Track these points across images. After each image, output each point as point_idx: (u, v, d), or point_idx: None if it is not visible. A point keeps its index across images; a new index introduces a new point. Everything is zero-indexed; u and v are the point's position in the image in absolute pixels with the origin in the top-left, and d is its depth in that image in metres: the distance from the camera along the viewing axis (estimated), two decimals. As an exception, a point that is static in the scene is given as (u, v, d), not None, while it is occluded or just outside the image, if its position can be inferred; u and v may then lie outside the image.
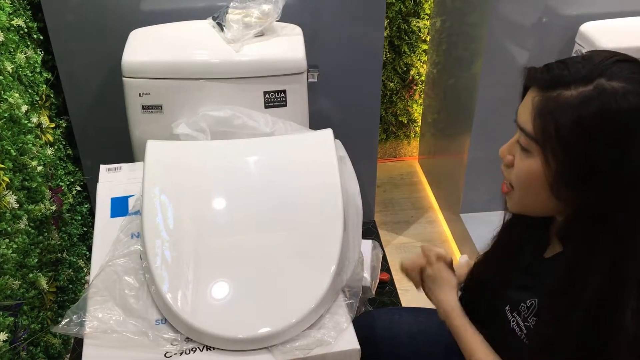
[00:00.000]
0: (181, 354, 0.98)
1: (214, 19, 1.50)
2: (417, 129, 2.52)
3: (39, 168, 1.45)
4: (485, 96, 1.97)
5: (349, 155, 1.30)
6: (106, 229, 1.22)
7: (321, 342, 0.99)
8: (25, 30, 1.52)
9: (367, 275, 1.54)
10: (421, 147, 2.55)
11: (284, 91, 1.45)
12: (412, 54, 2.31)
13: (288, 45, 1.48)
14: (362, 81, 1.88)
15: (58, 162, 1.67)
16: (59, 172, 1.67)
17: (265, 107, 1.46)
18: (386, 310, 1.25)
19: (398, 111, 2.44)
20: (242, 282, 1.05)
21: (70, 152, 1.78)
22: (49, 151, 1.59)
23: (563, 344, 0.80)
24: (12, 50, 1.41)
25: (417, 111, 2.47)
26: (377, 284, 1.64)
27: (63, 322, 0.98)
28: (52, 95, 1.68)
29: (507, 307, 0.94)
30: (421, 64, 2.35)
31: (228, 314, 1.01)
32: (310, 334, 1.00)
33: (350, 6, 1.70)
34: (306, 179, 1.24)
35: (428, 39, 2.30)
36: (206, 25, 1.52)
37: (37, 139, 1.50)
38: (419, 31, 2.27)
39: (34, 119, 1.50)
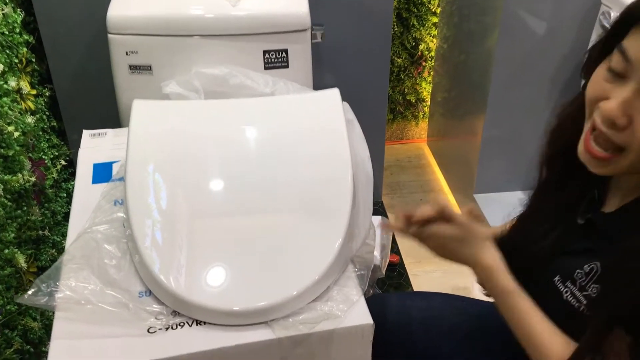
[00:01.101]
0: (167, 329, 0.85)
1: (209, -28, 1.37)
2: (426, 109, 2.38)
3: (16, 134, 1.32)
4: (501, 72, 1.84)
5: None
6: (86, 195, 1.09)
7: (328, 316, 0.86)
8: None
9: (377, 253, 1.41)
10: (430, 128, 2.41)
11: (286, 51, 1.32)
12: (422, 28, 2.18)
13: (291, 0, 1.35)
14: (369, 56, 1.76)
15: (41, 133, 1.54)
16: (42, 145, 1.54)
17: (265, 68, 1.33)
18: (397, 295, 1.11)
19: (406, 89, 2.31)
20: (239, 252, 0.92)
21: (55, 124, 1.65)
22: (30, 119, 1.46)
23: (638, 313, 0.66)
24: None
25: (426, 90, 2.34)
26: (387, 264, 1.51)
27: (29, 292, 0.85)
28: (33, 61, 1.55)
29: (556, 278, 0.80)
30: (431, 38, 2.22)
31: (221, 284, 0.88)
32: (315, 307, 0.87)
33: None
34: (312, 145, 1.11)
35: (438, 11, 2.16)
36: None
37: (15, 104, 1.37)
38: (429, 2, 2.14)
39: (12, 83, 1.37)
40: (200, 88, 1.20)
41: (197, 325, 0.86)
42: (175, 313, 0.87)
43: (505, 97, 1.85)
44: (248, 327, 0.85)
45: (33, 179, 1.37)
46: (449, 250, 0.86)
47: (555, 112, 0.84)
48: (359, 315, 0.87)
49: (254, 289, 0.87)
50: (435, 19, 2.18)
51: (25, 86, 1.47)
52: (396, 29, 2.17)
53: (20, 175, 1.33)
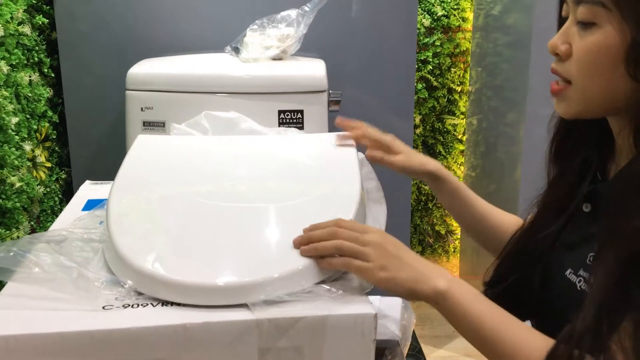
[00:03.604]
0: (125, 307, 0.71)
1: (232, 46, 1.41)
2: (457, 243, 2.27)
3: (18, 184, 1.27)
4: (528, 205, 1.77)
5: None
6: (71, 218, 1.00)
7: (320, 299, 0.71)
8: (36, 59, 1.46)
9: (395, 328, 1.22)
10: (462, 265, 2.27)
11: (301, 112, 1.30)
12: (448, 155, 2.17)
13: (308, 65, 1.36)
14: (389, 184, 1.71)
15: (49, 212, 1.49)
16: (48, 225, 1.48)
17: (279, 127, 1.30)
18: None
19: (434, 220, 2.22)
20: (221, 234, 0.80)
21: (64, 177, 1.61)
22: (39, 189, 1.42)
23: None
24: (9, 51, 1.32)
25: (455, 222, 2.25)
26: (408, 348, 1.30)
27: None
28: (54, 138, 1.56)
29: (567, 271, 0.75)
30: (458, 166, 2.19)
31: (192, 261, 0.75)
32: (305, 290, 0.72)
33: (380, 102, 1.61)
34: (318, 171, 1.02)
35: (464, 138, 2.16)
36: (223, 55, 1.43)
37: (24, 159, 1.35)
38: (454, 130, 2.15)
39: (27, 147, 1.37)
40: (209, 129, 1.16)
41: (163, 306, 0.71)
42: (138, 294, 0.73)
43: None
44: (222, 308, 0.70)
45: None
46: (385, 259, 0.72)
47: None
48: (359, 304, 0.71)
49: (231, 267, 0.74)
50: (461, 147, 2.17)
51: (40, 155, 1.46)
52: (423, 155, 2.15)
53: (15, 232, 1.27)
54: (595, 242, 0.71)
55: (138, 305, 0.71)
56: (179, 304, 0.71)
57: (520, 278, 0.83)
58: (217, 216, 0.84)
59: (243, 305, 0.70)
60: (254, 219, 0.83)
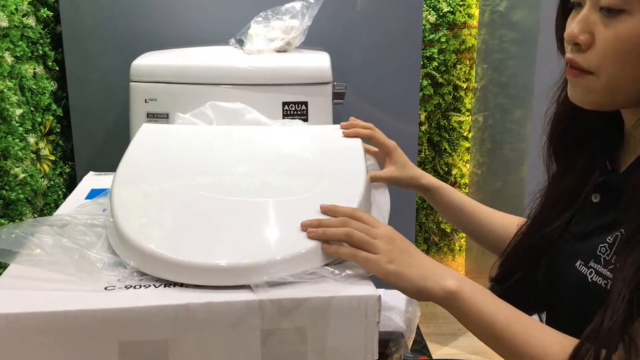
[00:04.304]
0: (127, 288, 0.70)
1: (236, 38, 1.41)
2: (463, 241, 2.25)
3: (22, 175, 1.27)
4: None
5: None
6: (74, 207, 1.00)
7: (324, 281, 0.70)
8: (40, 52, 1.46)
9: (399, 320, 1.21)
10: (468, 263, 2.26)
11: (306, 103, 1.29)
12: (454, 153, 2.16)
13: (312, 57, 1.35)
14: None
15: (52, 205, 1.49)
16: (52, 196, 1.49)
17: (283, 119, 1.29)
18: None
19: (439, 218, 2.21)
20: (225, 217, 0.80)
21: (67, 171, 1.61)
22: (43, 181, 1.42)
23: None
24: (14, 42, 1.32)
25: (461, 219, 2.23)
26: (412, 340, 1.29)
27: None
28: (58, 131, 1.55)
29: (577, 263, 0.73)
30: (463, 163, 2.18)
31: (196, 242, 0.74)
32: (308, 272, 0.71)
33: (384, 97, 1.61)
34: (325, 162, 1.02)
35: (470, 136, 2.15)
36: (227, 47, 1.43)
37: (28, 151, 1.35)
38: (460, 127, 2.14)
39: (31, 139, 1.37)
40: (213, 119, 1.16)
41: (165, 287, 0.70)
42: (141, 274, 0.72)
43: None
44: (225, 289, 0.69)
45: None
46: (393, 257, 0.72)
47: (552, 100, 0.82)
48: (363, 286, 0.70)
49: (234, 248, 0.73)
50: (467, 144, 2.16)
51: (44, 148, 1.46)
52: (428, 153, 2.15)
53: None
54: (606, 233, 0.70)
55: (140, 286, 0.70)
56: (181, 285, 0.70)
57: (527, 273, 0.82)
58: (222, 202, 0.83)
59: (246, 287, 0.69)
60: (260, 204, 0.82)
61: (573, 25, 0.68)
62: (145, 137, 1.04)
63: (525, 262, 0.83)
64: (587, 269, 0.72)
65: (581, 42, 0.67)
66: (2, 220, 1.22)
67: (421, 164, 2.13)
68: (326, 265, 0.73)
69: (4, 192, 1.24)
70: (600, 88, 0.68)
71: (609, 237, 0.70)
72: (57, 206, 1.51)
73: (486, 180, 2.12)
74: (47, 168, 1.46)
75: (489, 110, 2.06)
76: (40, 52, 1.45)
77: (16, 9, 1.32)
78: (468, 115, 2.14)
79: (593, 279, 0.70)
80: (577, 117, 0.77)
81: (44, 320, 0.65)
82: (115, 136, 1.56)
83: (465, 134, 2.15)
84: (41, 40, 1.46)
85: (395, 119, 1.65)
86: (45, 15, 1.45)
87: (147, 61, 1.32)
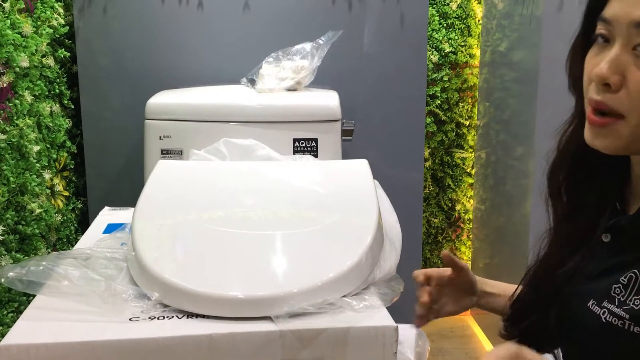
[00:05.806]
0: (151, 319, 0.72)
1: (247, 78, 1.45)
2: (467, 277, 2.27)
3: (38, 211, 1.30)
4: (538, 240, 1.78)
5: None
6: (93, 241, 1.03)
7: (342, 312, 0.72)
8: (57, 90, 1.50)
9: (410, 354, 1.22)
10: (472, 299, 2.26)
11: (316, 140, 1.33)
12: (457, 189, 2.19)
13: (322, 96, 1.39)
14: (399, 216, 1.72)
15: (65, 240, 1.51)
16: (65, 231, 1.51)
17: (294, 155, 1.32)
18: None
19: (444, 253, 2.23)
20: (243, 249, 0.82)
21: (80, 206, 1.63)
22: (57, 217, 1.45)
23: None
24: (33, 82, 1.36)
25: (465, 254, 2.25)
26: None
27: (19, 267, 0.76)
28: (72, 168, 1.59)
29: (590, 303, 0.71)
30: (467, 199, 2.21)
31: (217, 274, 0.77)
32: (327, 302, 0.73)
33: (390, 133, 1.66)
34: (336, 198, 1.05)
35: (473, 172, 2.19)
36: (239, 86, 1.47)
37: (44, 187, 1.37)
38: (463, 164, 2.18)
39: (47, 175, 1.40)
40: (227, 155, 1.19)
41: (188, 318, 0.73)
42: (164, 306, 0.74)
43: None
44: (246, 320, 0.71)
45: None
46: None
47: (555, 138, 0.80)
48: (380, 317, 0.73)
49: (255, 280, 0.75)
50: (470, 180, 2.19)
51: (58, 184, 1.48)
52: (432, 189, 2.18)
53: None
54: (618, 273, 0.69)
55: (164, 317, 0.73)
56: (204, 316, 0.72)
57: (540, 314, 0.79)
58: (240, 237, 0.86)
59: (267, 317, 0.72)
60: (277, 239, 0.85)
61: (602, 65, 0.64)
62: (162, 174, 1.08)
63: (537, 304, 0.80)
64: (600, 309, 0.70)
65: (612, 83, 0.64)
66: (18, 255, 1.25)
67: (425, 200, 2.16)
68: (344, 296, 0.75)
69: (21, 227, 1.27)
70: (628, 132, 0.65)
71: (623, 278, 0.69)
72: (69, 241, 1.53)
73: (490, 215, 2.14)
74: (61, 204, 1.49)
75: (492, 147, 2.09)
76: (57, 90, 1.50)
77: (36, 50, 1.37)
78: (471, 152, 2.18)
79: (607, 318, 0.69)
80: (585, 159, 0.75)
81: (71, 351, 0.67)
82: (128, 172, 1.59)
83: (468, 170, 2.19)
84: (58, 80, 1.50)
85: (401, 155, 1.69)
86: (62, 56, 1.50)
87: (161, 100, 1.36)
